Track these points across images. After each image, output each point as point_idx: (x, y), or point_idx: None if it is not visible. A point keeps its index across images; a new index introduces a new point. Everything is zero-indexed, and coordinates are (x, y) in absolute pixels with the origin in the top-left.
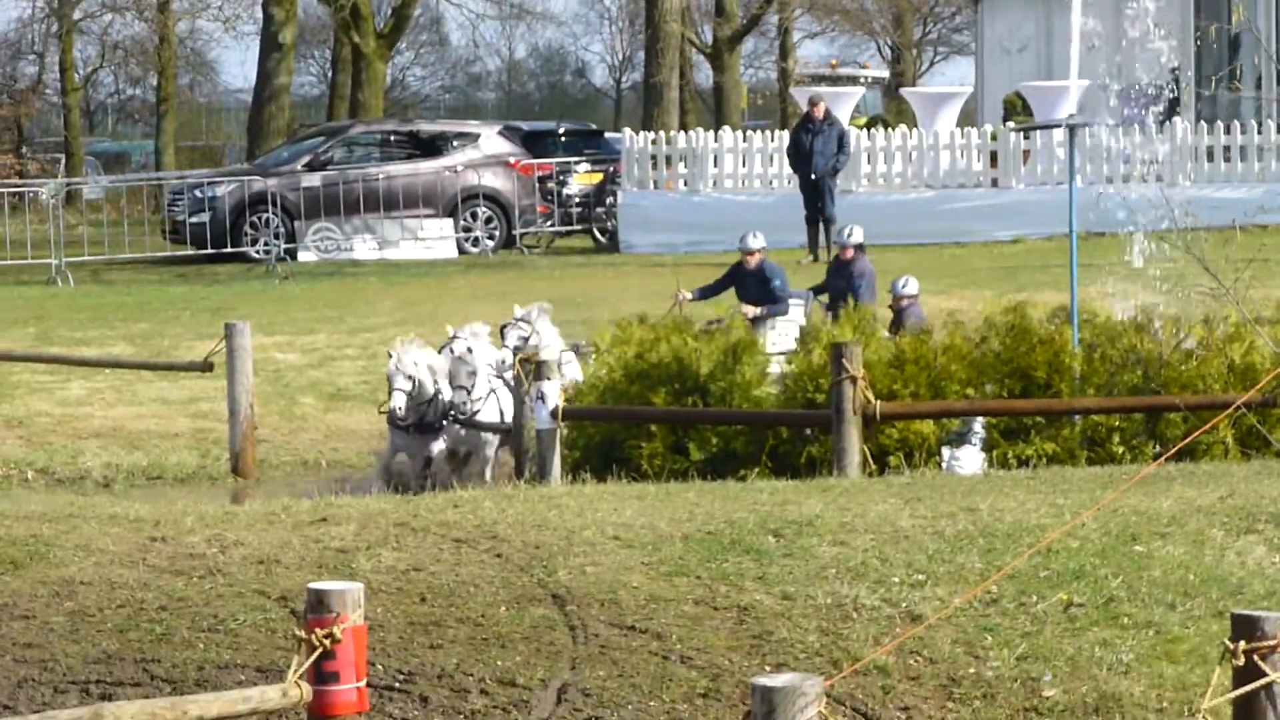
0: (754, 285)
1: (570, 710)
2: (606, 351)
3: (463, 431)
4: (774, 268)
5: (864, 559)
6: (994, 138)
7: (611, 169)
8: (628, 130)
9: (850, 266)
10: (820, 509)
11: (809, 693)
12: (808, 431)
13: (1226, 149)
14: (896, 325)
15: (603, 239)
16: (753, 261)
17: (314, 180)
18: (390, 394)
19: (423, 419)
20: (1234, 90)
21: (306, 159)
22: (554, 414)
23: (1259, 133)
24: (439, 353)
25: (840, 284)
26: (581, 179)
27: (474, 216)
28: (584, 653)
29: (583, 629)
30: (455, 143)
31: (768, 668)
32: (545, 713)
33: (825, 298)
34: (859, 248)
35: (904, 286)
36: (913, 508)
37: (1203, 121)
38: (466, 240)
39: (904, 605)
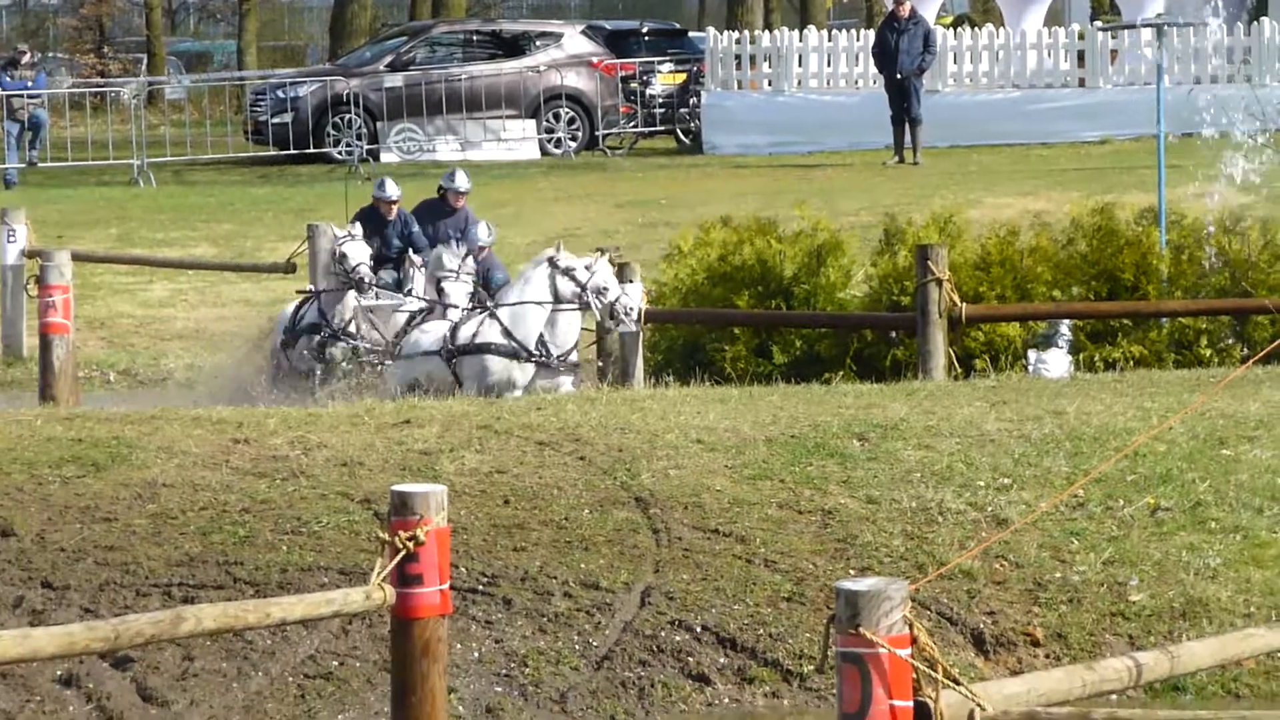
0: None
1: (654, 613)
2: (689, 254)
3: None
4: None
5: (949, 463)
6: (1081, 37)
7: (695, 69)
8: (711, 29)
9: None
10: (905, 412)
11: (894, 597)
12: (893, 334)
13: None
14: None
15: (686, 140)
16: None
17: (396, 80)
18: None
19: None
20: None
21: (389, 59)
22: (637, 317)
23: None
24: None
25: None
26: (665, 79)
27: (556, 117)
28: (667, 556)
29: (666, 532)
30: (538, 42)
31: (852, 571)
32: (629, 616)
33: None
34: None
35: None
36: (998, 411)
37: None
38: (549, 141)
39: (989, 510)
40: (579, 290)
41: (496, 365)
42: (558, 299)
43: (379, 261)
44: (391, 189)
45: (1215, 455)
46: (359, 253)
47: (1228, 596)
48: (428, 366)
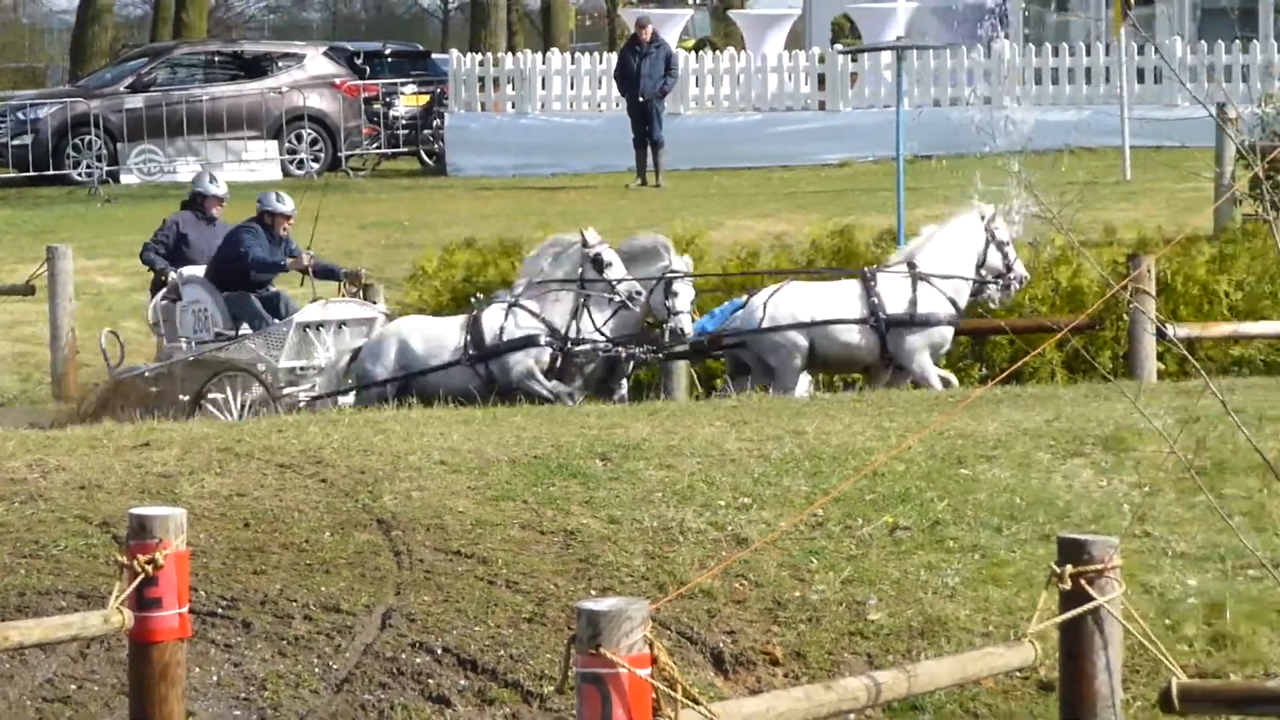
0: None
1: (395, 636)
2: (434, 275)
3: None
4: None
5: (690, 482)
6: (822, 60)
7: (438, 90)
8: (455, 51)
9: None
10: (647, 432)
11: (634, 616)
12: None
13: (1054, 70)
14: None
15: (429, 161)
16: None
17: (137, 102)
18: None
19: None
20: (1063, 11)
21: (130, 80)
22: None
23: (1087, 55)
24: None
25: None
26: (408, 100)
27: (299, 138)
28: (409, 578)
29: (408, 554)
30: (280, 64)
31: (593, 592)
32: (370, 638)
33: None
34: None
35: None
36: (739, 431)
37: (1030, 44)
38: (291, 163)
39: (730, 529)
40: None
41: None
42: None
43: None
44: (289, 203)
45: (953, 475)
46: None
47: (966, 615)
48: None
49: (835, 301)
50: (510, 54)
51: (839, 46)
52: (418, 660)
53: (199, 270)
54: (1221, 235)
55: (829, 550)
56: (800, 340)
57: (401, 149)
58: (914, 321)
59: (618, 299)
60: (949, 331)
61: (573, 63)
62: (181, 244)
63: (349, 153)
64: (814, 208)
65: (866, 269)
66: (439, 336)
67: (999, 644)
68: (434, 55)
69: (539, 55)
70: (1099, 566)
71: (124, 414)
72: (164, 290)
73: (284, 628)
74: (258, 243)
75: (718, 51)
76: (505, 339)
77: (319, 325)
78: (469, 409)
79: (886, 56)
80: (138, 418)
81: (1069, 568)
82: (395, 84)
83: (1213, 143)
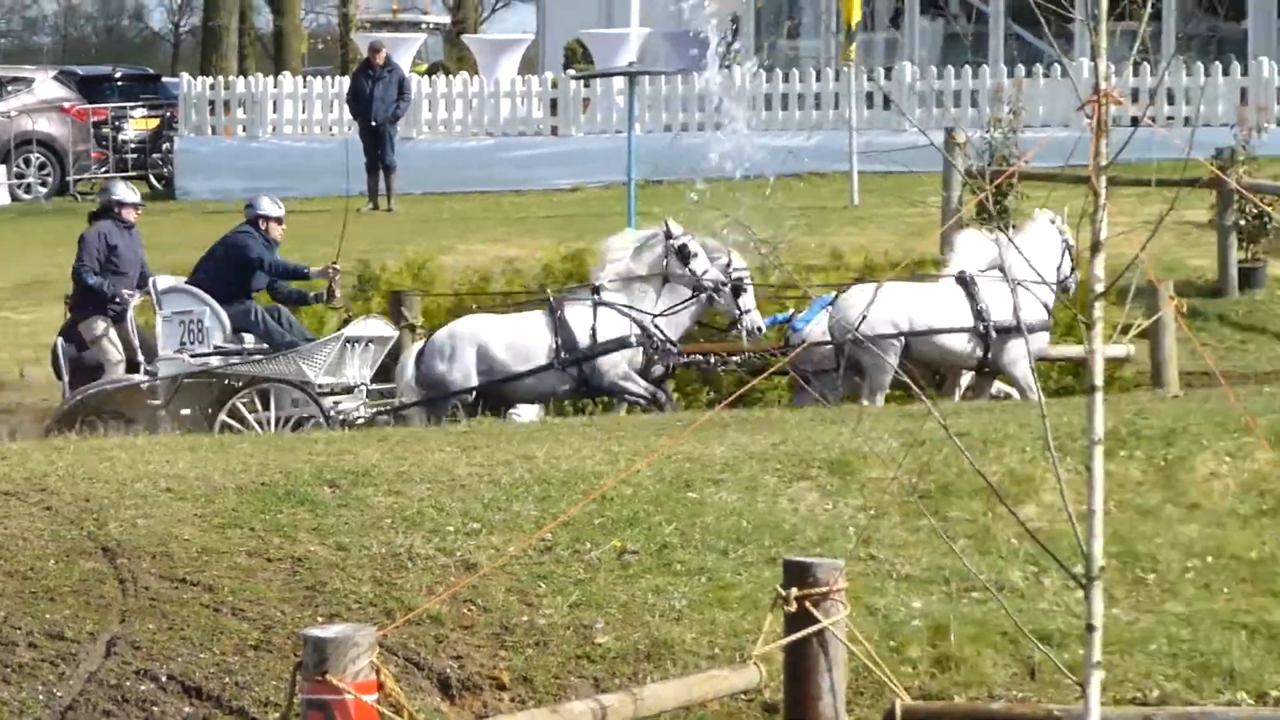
0: None
1: (119, 663)
2: None
3: None
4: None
5: (419, 508)
6: (554, 85)
7: (169, 114)
8: (185, 75)
9: None
10: (376, 459)
11: (361, 643)
12: None
13: (785, 96)
14: None
15: (159, 185)
16: None
17: None
18: None
19: None
20: (794, 37)
21: None
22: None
23: (817, 80)
24: None
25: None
26: (137, 124)
27: (27, 163)
28: (134, 605)
29: (133, 582)
30: (9, 88)
31: (320, 619)
32: (94, 665)
33: None
34: None
35: None
36: (469, 456)
37: (761, 69)
38: (19, 187)
39: (459, 554)
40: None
41: None
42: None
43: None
44: (281, 206)
45: (681, 498)
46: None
47: (692, 638)
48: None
49: (936, 304)
50: (241, 77)
51: (571, 71)
52: (142, 688)
53: (167, 280)
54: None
55: (557, 574)
56: (898, 341)
57: (131, 173)
58: (1018, 329)
59: (696, 291)
60: (1046, 338)
61: (304, 86)
62: (111, 255)
63: (78, 177)
64: (546, 232)
65: (964, 272)
66: (520, 338)
67: (725, 667)
68: (164, 79)
69: (270, 79)
70: (824, 589)
71: (91, 429)
72: (107, 307)
73: (7, 655)
74: (267, 249)
75: (451, 76)
76: (598, 339)
77: (356, 341)
78: (195, 436)
79: (619, 82)
80: (105, 432)
81: (794, 590)
82: (125, 108)
83: (940, 168)
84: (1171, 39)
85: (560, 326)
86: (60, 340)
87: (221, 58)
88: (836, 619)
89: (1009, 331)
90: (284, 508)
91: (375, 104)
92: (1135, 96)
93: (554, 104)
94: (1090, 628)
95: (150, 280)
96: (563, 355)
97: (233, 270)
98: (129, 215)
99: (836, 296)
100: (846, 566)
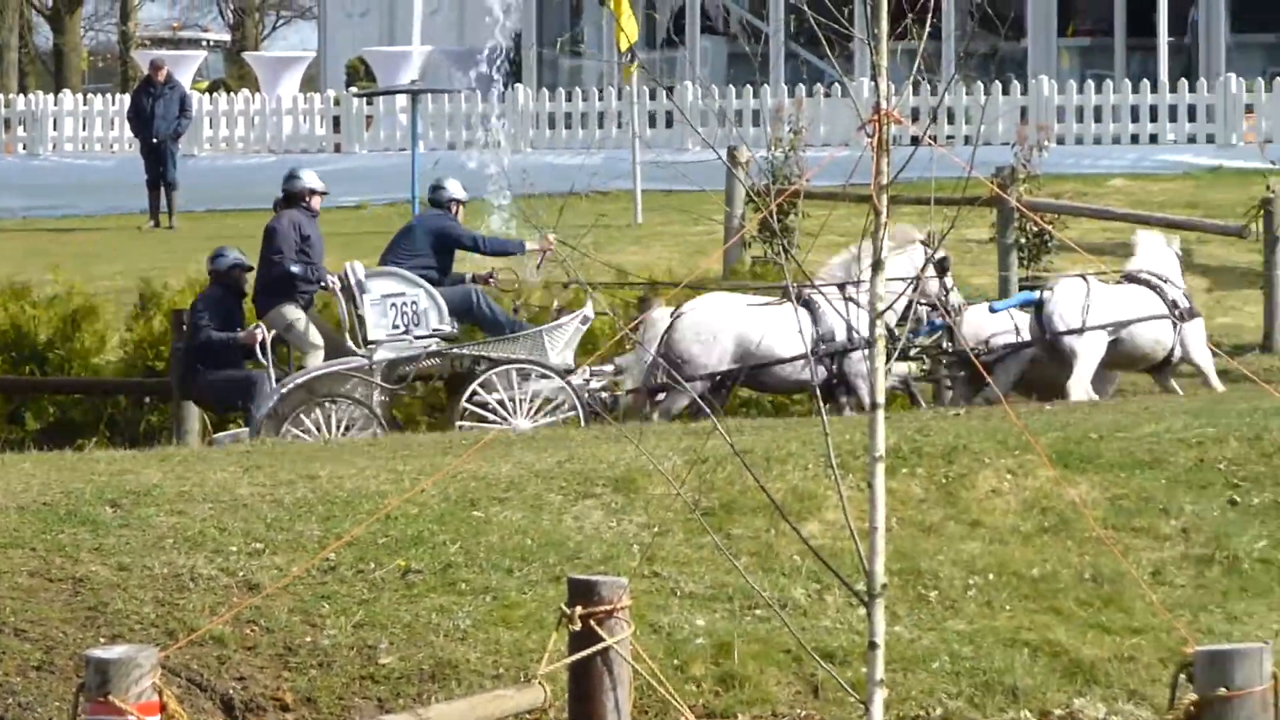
0: None
1: None
2: None
3: None
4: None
5: (202, 528)
6: (337, 103)
7: None
8: None
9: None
10: (159, 478)
11: (144, 664)
12: (147, 400)
13: (568, 115)
14: None
15: None
16: None
17: None
18: None
19: None
20: (577, 55)
21: None
22: None
23: (600, 99)
24: None
25: None
26: None
27: None
28: None
29: None
30: None
31: (103, 639)
32: None
33: None
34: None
35: None
36: (252, 475)
37: (544, 87)
38: None
39: (241, 574)
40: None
41: None
42: None
43: None
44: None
45: (466, 517)
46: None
47: (477, 658)
48: None
49: (1140, 303)
50: (21, 94)
51: (354, 89)
52: None
53: (359, 267)
54: (731, 277)
55: (341, 595)
56: (1106, 337)
57: None
58: (1194, 312)
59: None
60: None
61: (85, 104)
62: (303, 245)
63: None
64: (329, 250)
65: (1148, 274)
66: (776, 324)
67: (510, 686)
68: None
69: (50, 96)
70: (608, 607)
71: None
72: (297, 295)
73: None
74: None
75: (232, 93)
76: (852, 334)
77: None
78: None
79: (402, 100)
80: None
81: (579, 609)
82: None
83: (724, 186)
84: (952, 58)
85: (818, 318)
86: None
87: (2, 75)
88: (621, 637)
89: (1188, 320)
90: (65, 528)
91: (156, 121)
92: (916, 116)
93: (336, 121)
94: (873, 645)
95: (347, 265)
96: (820, 346)
97: (438, 254)
98: (316, 204)
99: (1041, 292)
100: (631, 584)
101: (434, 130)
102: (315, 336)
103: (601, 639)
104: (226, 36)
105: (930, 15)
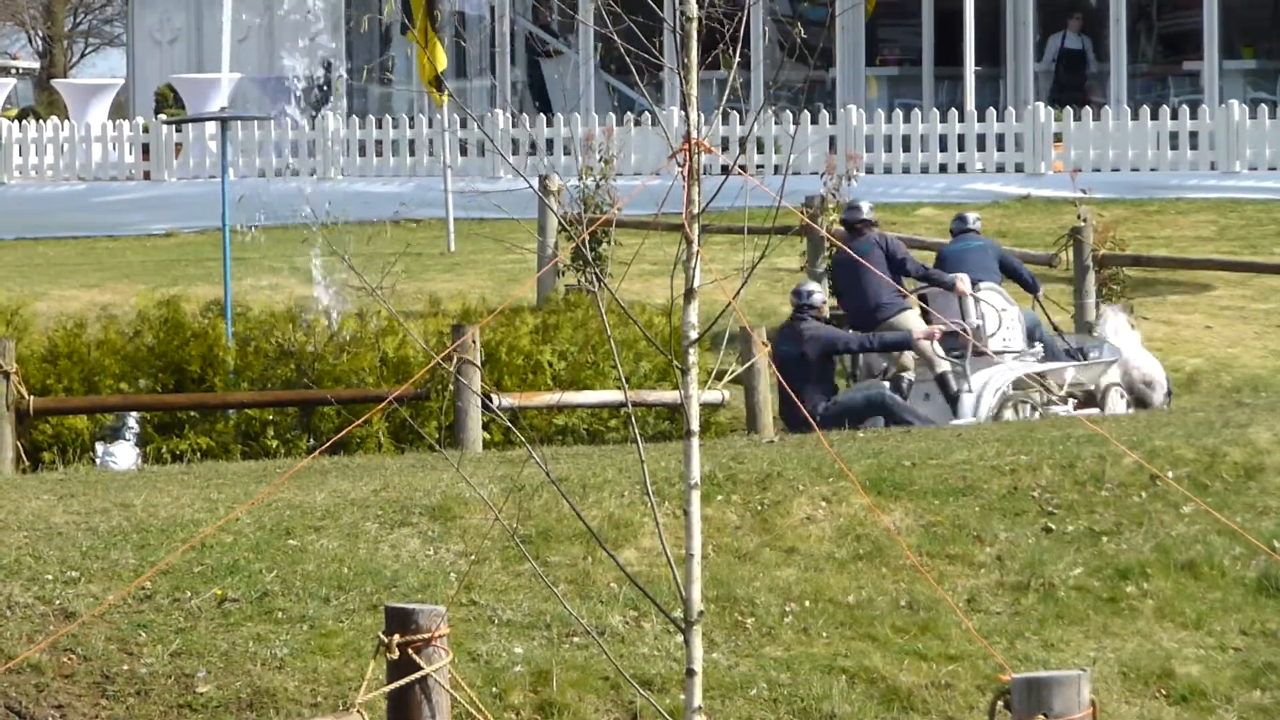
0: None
1: None
2: None
3: None
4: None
5: (17, 556)
6: (146, 130)
7: None
8: None
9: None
10: None
11: None
12: None
13: (379, 142)
14: None
15: None
16: None
17: None
18: None
19: None
20: (387, 83)
21: None
22: None
23: (411, 127)
24: None
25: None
26: None
27: None
28: None
29: None
30: None
31: None
32: None
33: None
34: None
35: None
36: (66, 504)
37: (355, 115)
38: None
39: (58, 602)
40: None
41: None
42: None
43: None
44: None
45: (282, 545)
46: None
47: (295, 686)
48: None
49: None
50: None
51: (163, 116)
52: None
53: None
54: (545, 306)
55: (157, 623)
56: None
57: None
58: None
59: None
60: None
61: None
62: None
63: None
64: (140, 278)
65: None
66: None
67: (328, 715)
68: None
69: None
70: (426, 635)
71: None
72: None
73: None
74: None
75: (41, 120)
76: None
77: None
78: None
79: (211, 127)
80: None
81: (396, 637)
82: None
83: (536, 214)
84: (761, 87)
85: None
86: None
87: None
88: (439, 665)
89: None
90: None
91: None
92: (726, 145)
93: (145, 149)
94: (690, 672)
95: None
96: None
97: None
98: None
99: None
100: (449, 612)
101: (244, 157)
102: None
103: (420, 667)
104: (35, 64)
105: (740, 45)
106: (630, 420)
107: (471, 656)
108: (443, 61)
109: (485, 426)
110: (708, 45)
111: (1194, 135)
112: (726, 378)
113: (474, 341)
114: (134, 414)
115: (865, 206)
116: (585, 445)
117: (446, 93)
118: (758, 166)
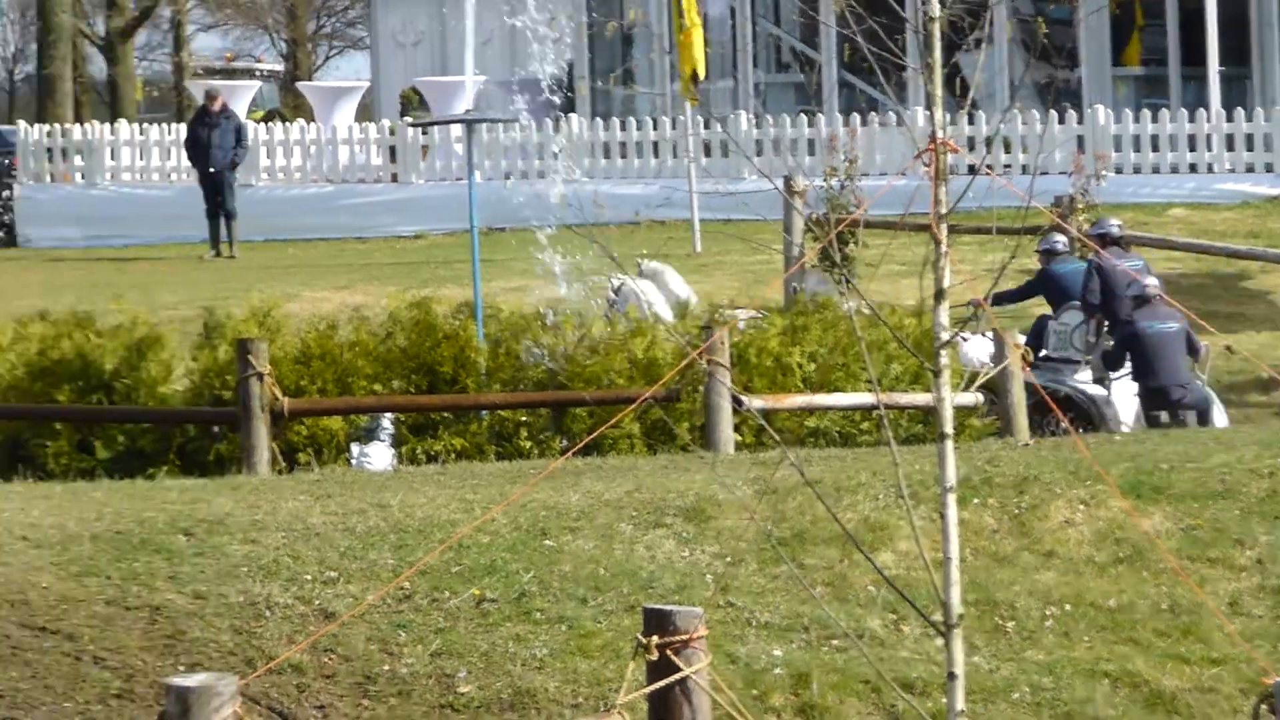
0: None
1: None
2: (8, 349)
3: None
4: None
5: (276, 557)
6: (392, 132)
7: (6, 162)
8: (22, 122)
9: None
10: (231, 507)
11: (224, 692)
12: (215, 429)
13: (622, 144)
14: None
15: None
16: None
17: None
18: None
19: None
20: (628, 86)
21: None
22: None
23: (654, 128)
24: None
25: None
26: None
27: None
28: None
29: None
30: None
31: (181, 668)
32: None
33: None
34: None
35: None
36: (323, 504)
37: (598, 117)
38: None
39: (317, 603)
40: None
41: None
42: None
43: None
44: None
45: (538, 546)
46: None
47: (555, 687)
48: None
49: None
50: (78, 124)
51: (408, 119)
52: None
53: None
54: (793, 307)
55: (417, 623)
56: None
57: None
58: None
59: None
60: None
61: (141, 133)
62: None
63: None
64: (390, 279)
65: None
66: None
67: (589, 715)
68: (1, 127)
69: (107, 126)
70: (684, 637)
71: None
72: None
73: None
74: None
75: (288, 123)
76: None
77: None
78: (49, 484)
79: (457, 129)
80: None
81: (655, 639)
82: None
83: (781, 215)
84: (1006, 87)
85: None
86: None
87: (57, 105)
88: (698, 667)
89: None
90: (140, 556)
91: (213, 151)
92: (971, 145)
93: (392, 151)
94: (952, 676)
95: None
96: None
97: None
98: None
99: None
100: (706, 614)
101: (489, 159)
102: None
103: (679, 669)
104: (279, 67)
105: (985, 44)
106: (883, 423)
107: (730, 659)
108: (701, 66)
109: (736, 428)
110: (950, 45)
111: None
112: (979, 380)
113: (723, 343)
114: (388, 415)
115: (1114, 225)
116: (837, 448)
117: (694, 94)
118: (1004, 166)
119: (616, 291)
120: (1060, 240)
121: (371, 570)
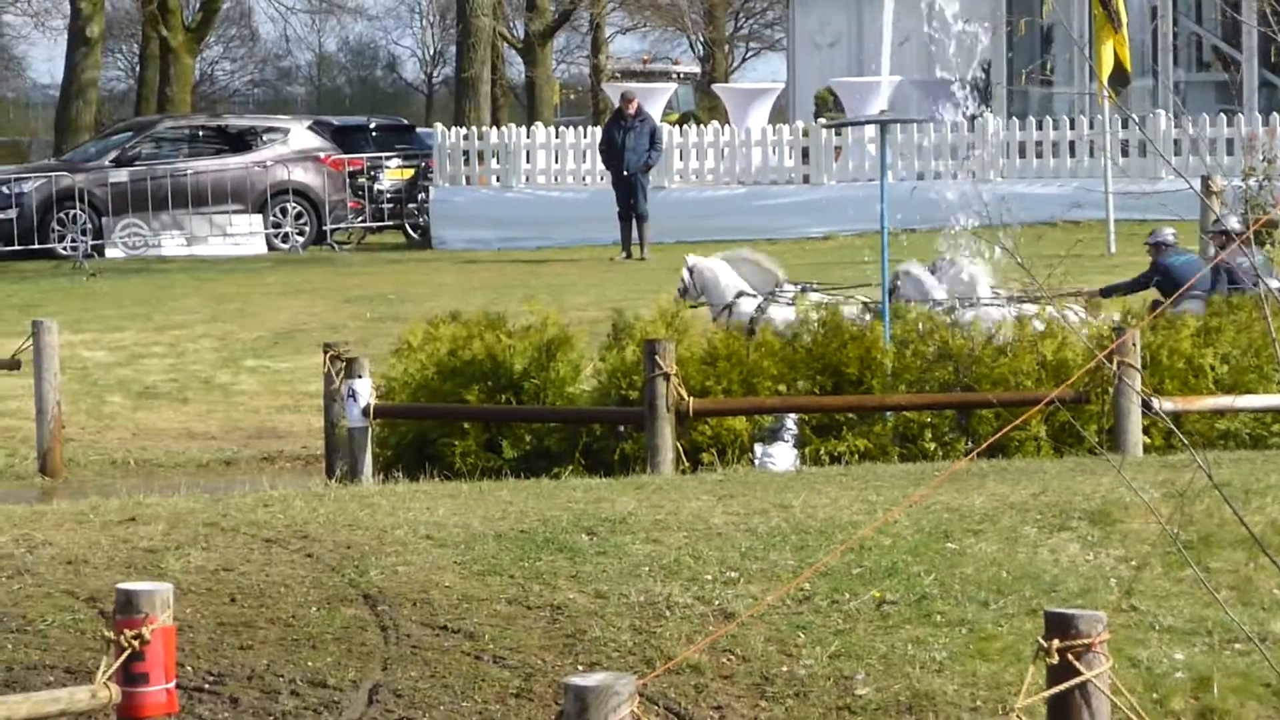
0: None
1: (382, 711)
2: (419, 349)
3: None
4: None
5: (677, 556)
6: (806, 134)
7: (423, 164)
8: (440, 125)
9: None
10: (634, 506)
11: (622, 692)
12: (621, 428)
13: (1039, 144)
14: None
15: (415, 235)
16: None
17: (121, 176)
18: None
19: None
20: (1046, 85)
21: (114, 154)
22: (365, 412)
23: (1071, 128)
24: None
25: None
26: (393, 174)
27: (284, 212)
28: (395, 653)
29: (394, 629)
30: (264, 138)
31: (580, 667)
32: (356, 713)
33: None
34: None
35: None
36: (725, 505)
37: (1014, 117)
38: (276, 236)
39: (717, 603)
40: None
41: None
42: None
43: None
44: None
45: (940, 548)
46: None
47: (954, 690)
48: None
49: None
50: (495, 128)
51: (822, 120)
52: None
53: None
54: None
55: (816, 625)
56: None
57: (387, 223)
58: None
59: None
60: None
61: (557, 136)
62: None
63: (334, 226)
64: (800, 281)
65: None
66: None
67: (987, 719)
68: (419, 129)
69: (523, 129)
70: (1086, 641)
71: None
72: None
73: (270, 703)
74: None
75: (702, 125)
76: None
77: None
78: (454, 483)
79: (871, 130)
80: None
81: (1056, 642)
82: (380, 158)
83: (1197, 215)
84: None
85: None
86: None
87: (475, 108)
88: (1099, 671)
89: None
90: (543, 555)
91: (627, 154)
92: None
93: (805, 152)
94: None
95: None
96: None
97: None
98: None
99: None
100: (1108, 618)
101: (902, 160)
102: None
103: (1079, 673)
104: (696, 69)
105: None
106: None
107: (1131, 662)
108: (1127, 59)
109: (1145, 431)
110: None
111: None
112: None
113: (1134, 344)
114: (792, 415)
115: (1233, 221)
116: (1248, 450)
117: (1112, 93)
118: None
119: (691, 271)
120: (1170, 232)
121: (772, 571)
